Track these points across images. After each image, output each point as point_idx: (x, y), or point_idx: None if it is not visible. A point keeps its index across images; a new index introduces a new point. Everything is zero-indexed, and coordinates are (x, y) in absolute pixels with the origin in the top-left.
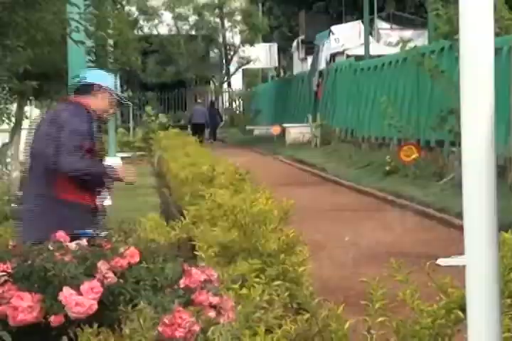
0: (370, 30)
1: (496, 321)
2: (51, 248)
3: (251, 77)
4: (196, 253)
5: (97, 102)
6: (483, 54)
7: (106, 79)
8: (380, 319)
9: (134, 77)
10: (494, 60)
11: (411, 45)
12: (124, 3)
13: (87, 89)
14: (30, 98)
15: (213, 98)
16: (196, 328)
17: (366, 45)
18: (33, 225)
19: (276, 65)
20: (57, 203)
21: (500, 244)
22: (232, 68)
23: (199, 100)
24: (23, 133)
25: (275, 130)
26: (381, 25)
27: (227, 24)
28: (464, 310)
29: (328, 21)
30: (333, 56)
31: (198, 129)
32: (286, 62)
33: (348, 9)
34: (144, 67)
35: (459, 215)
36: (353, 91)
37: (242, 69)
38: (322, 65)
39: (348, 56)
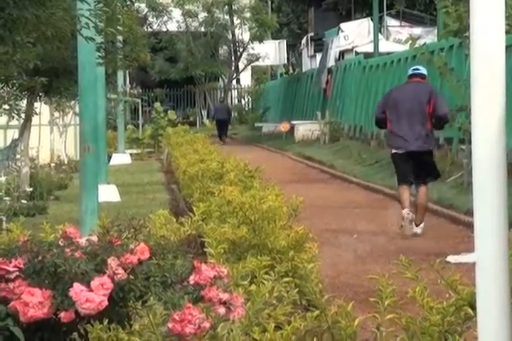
0: (379, 28)
1: (506, 318)
2: (61, 244)
3: (260, 74)
4: (206, 249)
5: None
6: (494, 51)
7: None
8: (389, 316)
9: (143, 74)
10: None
11: (420, 42)
12: None
13: None
14: (40, 94)
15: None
16: (206, 324)
17: (375, 42)
18: None
19: (285, 62)
20: None
21: (510, 241)
22: (241, 65)
23: (221, 99)
24: (33, 130)
25: (284, 127)
26: (390, 22)
27: (236, 21)
28: (473, 307)
29: (337, 18)
30: (342, 53)
31: (221, 124)
32: (295, 59)
33: (358, 6)
34: (153, 64)
35: (468, 213)
36: (362, 88)
37: (251, 66)
38: (331, 62)
39: (357, 53)
